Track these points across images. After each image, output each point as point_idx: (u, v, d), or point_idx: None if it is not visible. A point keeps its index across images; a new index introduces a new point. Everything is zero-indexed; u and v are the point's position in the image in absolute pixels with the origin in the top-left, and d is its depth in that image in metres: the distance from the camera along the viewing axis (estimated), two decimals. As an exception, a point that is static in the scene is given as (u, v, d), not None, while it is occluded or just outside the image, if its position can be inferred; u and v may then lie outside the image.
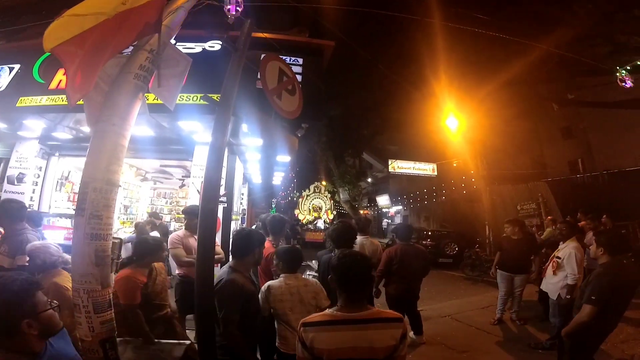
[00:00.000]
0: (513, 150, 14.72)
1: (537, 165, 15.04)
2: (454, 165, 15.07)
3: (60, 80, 5.30)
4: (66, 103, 5.13)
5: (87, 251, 1.80)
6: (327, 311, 1.72)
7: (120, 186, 2.00)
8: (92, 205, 1.81)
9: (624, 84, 5.17)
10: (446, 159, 15.79)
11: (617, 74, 5.19)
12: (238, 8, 3.30)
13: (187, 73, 2.54)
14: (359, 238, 4.46)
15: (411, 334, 4.68)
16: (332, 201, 24.51)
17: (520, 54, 9.04)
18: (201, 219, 2.01)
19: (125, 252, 5.92)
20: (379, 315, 1.62)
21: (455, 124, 9.82)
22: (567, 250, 4.14)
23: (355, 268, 1.64)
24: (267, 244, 3.32)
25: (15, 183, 6.64)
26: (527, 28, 9.18)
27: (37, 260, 2.62)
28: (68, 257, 2.76)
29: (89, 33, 1.75)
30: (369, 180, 26.09)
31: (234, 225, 7.39)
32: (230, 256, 2.23)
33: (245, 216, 11.11)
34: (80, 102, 2.04)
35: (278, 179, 12.77)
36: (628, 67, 5.23)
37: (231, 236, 6.01)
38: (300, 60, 5.16)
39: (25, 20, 7.03)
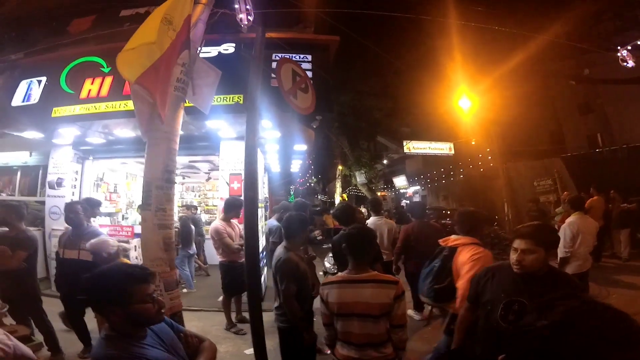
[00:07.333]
0: (530, 127, 14.37)
1: (555, 142, 14.77)
2: (472, 143, 14.80)
3: (90, 90, 5.64)
4: (99, 111, 5.59)
5: (157, 239, 2.19)
6: (339, 274, 2.15)
7: (176, 182, 2.36)
8: (157, 200, 2.18)
9: (625, 63, 5.09)
10: (462, 137, 15.59)
11: (619, 54, 5.09)
12: (250, 17, 3.52)
13: (217, 82, 2.85)
14: (372, 219, 4.72)
15: (414, 313, 4.75)
16: (341, 186, 26.36)
17: (531, 31, 8.85)
18: (245, 206, 2.35)
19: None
20: (375, 277, 1.99)
21: (468, 104, 9.79)
22: (564, 225, 4.19)
23: (361, 237, 2.06)
24: None
25: (56, 187, 7.12)
26: (535, 6, 9.03)
27: (103, 254, 3.01)
28: (125, 245, 3.16)
29: (158, 62, 2.09)
30: (385, 162, 26.15)
31: (260, 213, 7.79)
32: (284, 237, 2.62)
33: (268, 204, 11.49)
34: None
35: (296, 166, 13.05)
36: (629, 47, 5.13)
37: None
38: (309, 57, 5.47)
39: (39, 31, 7.28)
